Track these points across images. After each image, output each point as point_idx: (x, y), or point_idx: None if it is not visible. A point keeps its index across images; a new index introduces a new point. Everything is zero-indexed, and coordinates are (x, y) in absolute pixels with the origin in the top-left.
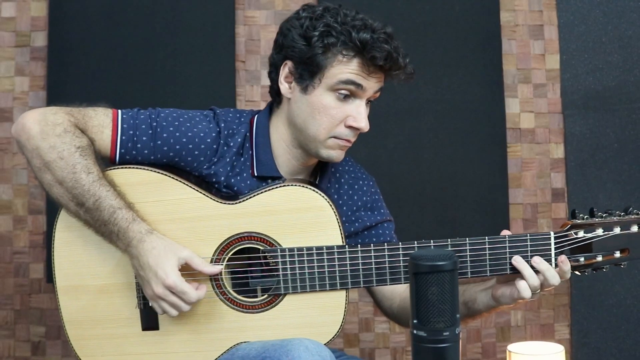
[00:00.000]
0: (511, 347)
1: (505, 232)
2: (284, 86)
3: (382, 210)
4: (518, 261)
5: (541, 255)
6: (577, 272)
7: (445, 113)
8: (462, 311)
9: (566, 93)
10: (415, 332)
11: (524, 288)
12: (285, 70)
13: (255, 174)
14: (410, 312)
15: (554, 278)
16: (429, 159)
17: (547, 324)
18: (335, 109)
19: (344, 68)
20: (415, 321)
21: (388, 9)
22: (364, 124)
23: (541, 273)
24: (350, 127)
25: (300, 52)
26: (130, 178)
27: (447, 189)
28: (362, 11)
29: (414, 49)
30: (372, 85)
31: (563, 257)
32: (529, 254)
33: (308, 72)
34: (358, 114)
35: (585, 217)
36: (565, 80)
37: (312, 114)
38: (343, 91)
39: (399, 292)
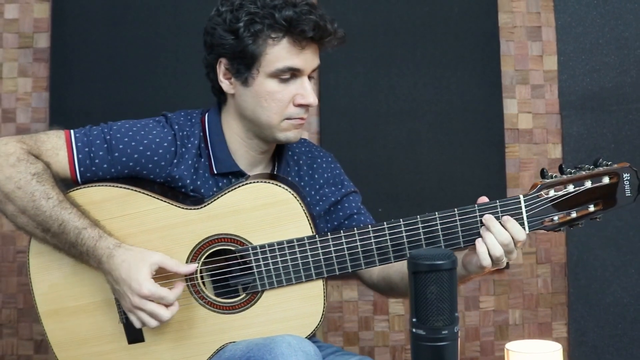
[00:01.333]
0: (509, 345)
1: (482, 200)
2: (224, 84)
3: (345, 183)
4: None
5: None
6: (553, 231)
7: (444, 114)
8: None
9: (564, 94)
10: (414, 330)
11: (486, 257)
12: (221, 68)
13: (215, 172)
14: (390, 281)
15: (501, 235)
16: (427, 159)
17: (545, 322)
18: (280, 92)
19: (278, 53)
20: (414, 320)
21: (387, 11)
22: (312, 99)
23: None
24: (299, 105)
25: (231, 47)
26: (94, 196)
27: (445, 188)
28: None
29: (414, 51)
30: (308, 60)
31: (506, 217)
32: (501, 220)
33: (244, 65)
34: (304, 90)
35: (555, 175)
36: (562, 81)
37: (259, 103)
38: (283, 76)
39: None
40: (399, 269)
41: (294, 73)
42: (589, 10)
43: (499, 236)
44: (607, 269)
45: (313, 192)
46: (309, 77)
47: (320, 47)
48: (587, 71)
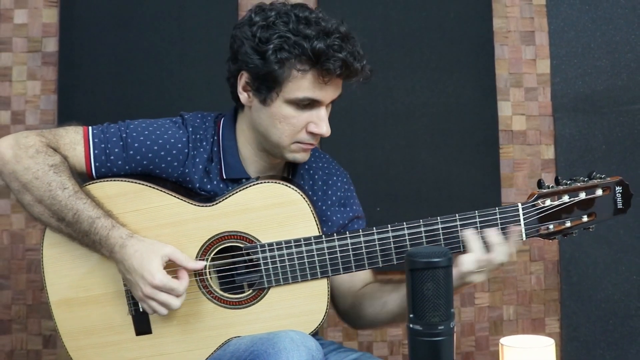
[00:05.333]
0: (503, 340)
1: None
2: (243, 95)
3: (354, 207)
4: (467, 235)
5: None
6: (548, 239)
7: (440, 115)
8: (402, 305)
9: (556, 96)
10: (411, 326)
11: (468, 261)
12: (242, 81)
13: (225, 177)
14: (363, 311)
15: (502, 254)
16: (424, 159)
17: (538, 318)
18: (296, 117)
19: (301, 83)
20: (411, 315)
21: (385, 15)
22: (324, 130)
23: (492, 246)
24: (311, 132)
25: (256, 68)
26: (109, 190)
27: (442, 188)
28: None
29: (411, 54)
30: (329, 92)
31: (513, 227)
32: (500, 226)
33: (265, 86)
34: (319, 120)
35: (551, 186)
36: (555, 84)
37: (273, 123)
38: (302, 103)
39: (354, 291)
40: (370, 298)
41: (312, 102)
42: (581, 15)
43: (499, 255)
44: (599, 267)
45: (324, 208)
46: (328, 105)
47: (344, 81)
48: (579, 74)
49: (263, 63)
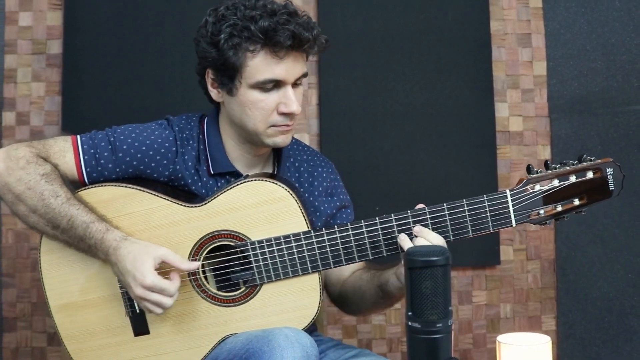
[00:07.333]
0: (500, 337)
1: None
2: (213, 92)
3: (341, 197)
4: (402, 239)
5: (500, 214)
6: (540, 225)
7: (439, 117)
8: (378, 294)
9: (553, 98)
10: (409, 323)
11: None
12: (209, 78)
13: (212, 172)
14: (347, 299)
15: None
16: (422, 159)
17: (535, 316)
18: (264, 101)
19: (257, 65)
20: (410, 313)
21: (385, 18)
22: (294, 108)
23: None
24: (282, 113)
25: (214, 60)
26: (102, 195)
27: (439, 188)
28: (354, 17)
29: (410, 56)
30: (290, 69)
31: (417, 228)
32: (488, 214)
33: (227, 76)
34: (287, 99)
35: (540, 170)
36: (551, 85)
37: (244, 111)
38: (266, 86)
39: (342, 280)
40: (352, 287)
41: (276, 83)
42: (577, 17)
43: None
44: (594, 265)
45: (312, 199)
46: (296, 85)
47: (306, 54)
48: (575, 76)
49: (219, 53)
